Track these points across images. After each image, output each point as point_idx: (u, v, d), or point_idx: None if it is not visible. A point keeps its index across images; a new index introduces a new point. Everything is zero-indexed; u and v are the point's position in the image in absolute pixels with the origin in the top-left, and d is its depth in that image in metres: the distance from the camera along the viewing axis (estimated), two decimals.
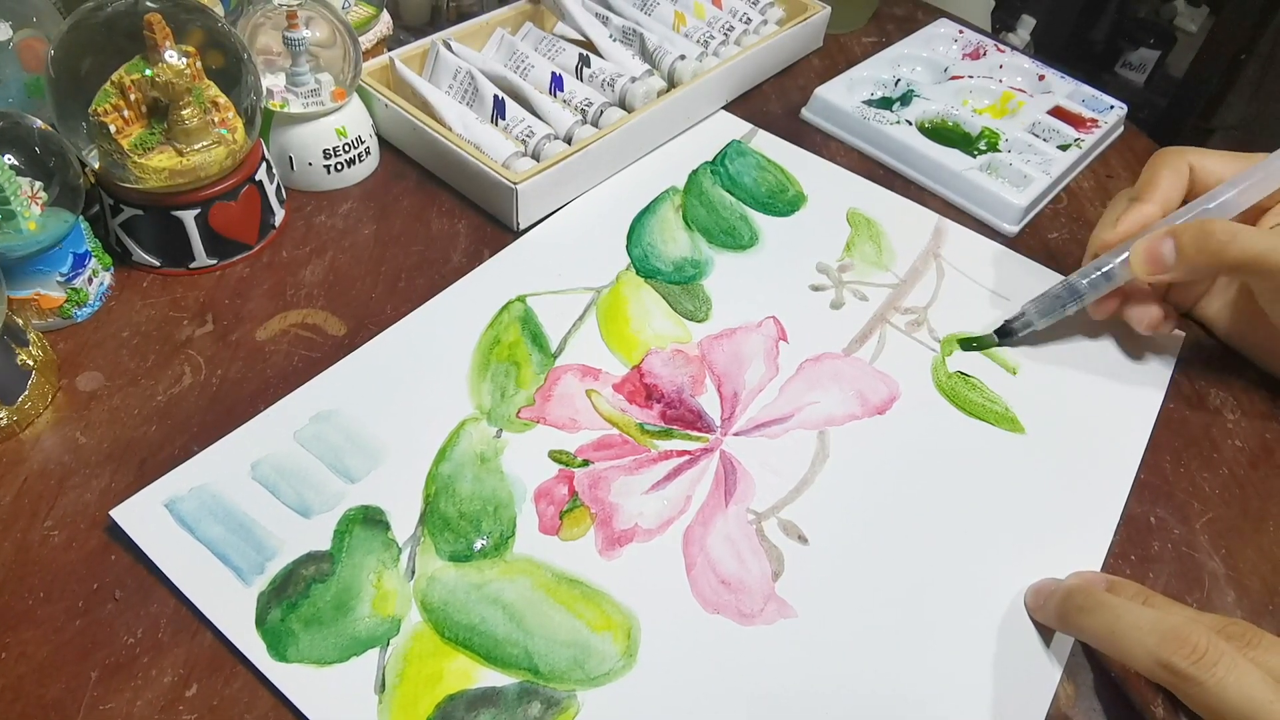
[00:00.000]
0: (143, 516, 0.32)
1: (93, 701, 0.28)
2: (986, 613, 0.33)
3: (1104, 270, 0.40)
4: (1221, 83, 1.29)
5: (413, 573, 0.32)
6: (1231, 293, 0.43)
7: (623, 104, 0.51)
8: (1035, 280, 0.47)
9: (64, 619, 0.30)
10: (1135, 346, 0.44)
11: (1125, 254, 0.39)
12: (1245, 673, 0.26)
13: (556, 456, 0.36)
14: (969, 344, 0.42)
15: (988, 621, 0.33)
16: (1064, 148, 0.53)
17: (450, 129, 0.47)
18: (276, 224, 0.44)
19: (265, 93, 0.44)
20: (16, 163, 0.35)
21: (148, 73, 0.37)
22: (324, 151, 0.46)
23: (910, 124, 0.53)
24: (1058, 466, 0.38)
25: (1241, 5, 1.22)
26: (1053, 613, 0.31)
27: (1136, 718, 0.31)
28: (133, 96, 0.37)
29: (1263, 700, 0.25)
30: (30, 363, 0.35)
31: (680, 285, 0.44)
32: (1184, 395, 0.42)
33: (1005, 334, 0.42)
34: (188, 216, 0.40)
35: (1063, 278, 0.42)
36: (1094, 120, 0.56)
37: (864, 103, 0.55)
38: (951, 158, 0.51)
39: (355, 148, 0.47)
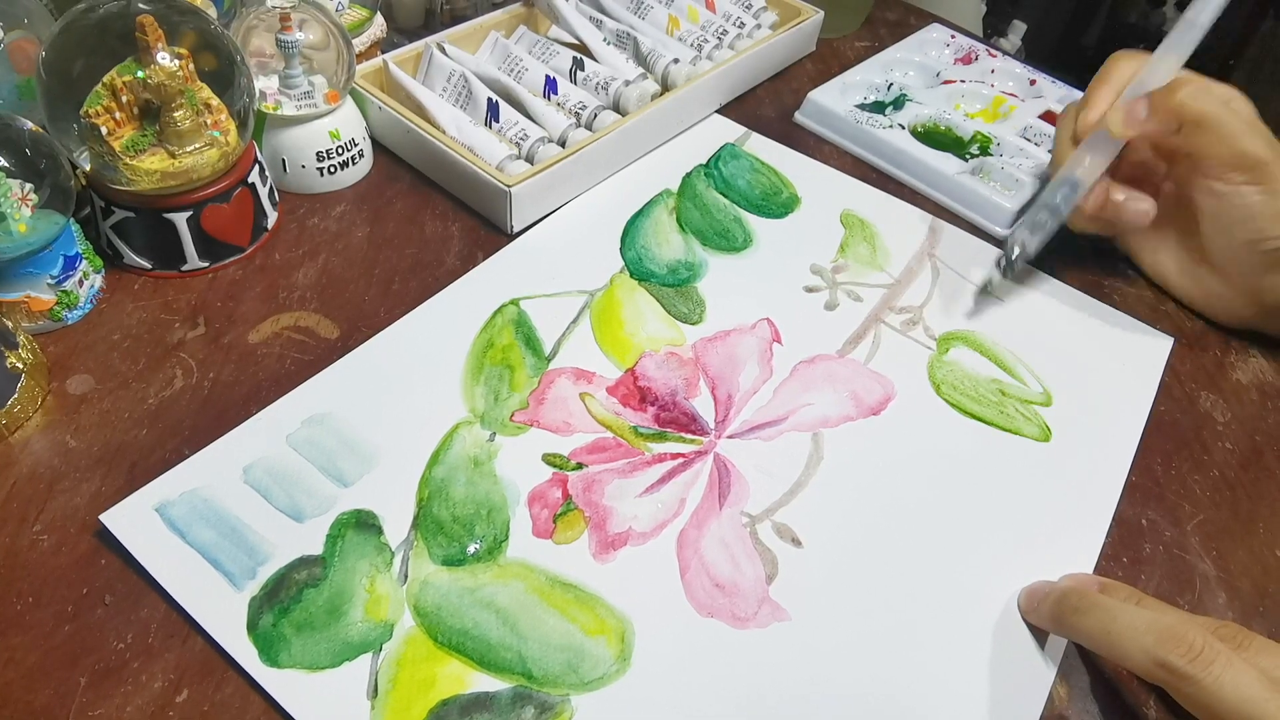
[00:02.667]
0: (133, 521, 0.32)
1: (82, 707, 0.28)
2: (980, 614, 0.33)
3: (1070, 180, 0.42)
4: None
5: (405, 577, 0.32)
6: (1173, 241, 0.45)
7: (616, 107, 0.51)
8: (1031, 280, 0.47)
9: (53, 624, 0.30)
10: (1127, 349, 0.44)
11: (1084, 161, 0.42)
12: (1241, 671, 0.26)
13: (550, 460, 0.36)
14: (982, 293, 0.44)
15: (981, 623, 0.33)
16: None
17: (444, 132, 0.47)
18: (269, 226, 0.44)
19: (258, 95, 0.44)
20: (7, 164, 0.35)
21: (140, 74, 0.37)
22: (317, 154, 0.46)
23: (903, 128, 0.54)
24: (1050, 468, 0.38)
25: (1229, 12, 1.23)
26: (1047, 615, 0.32)
27: (1130, 718, 0.31)
28: (124, 98, 0.37)
29: (1258, 698, 0.25)
30: (20, 366, 0.35)
31: (674, 288, 0.44)
32: (1174, 398, 0.42)
33: (1008, 268, 0.43)
34: (180, 219, 0.40)
35: (1041, 199, 0.44)
36: None
37: (857, 107, 0.56)
38: (943, 161, 0.51)
39: (348, 150, 0.47)
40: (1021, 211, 0.50)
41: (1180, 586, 0.35)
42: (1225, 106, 0.40)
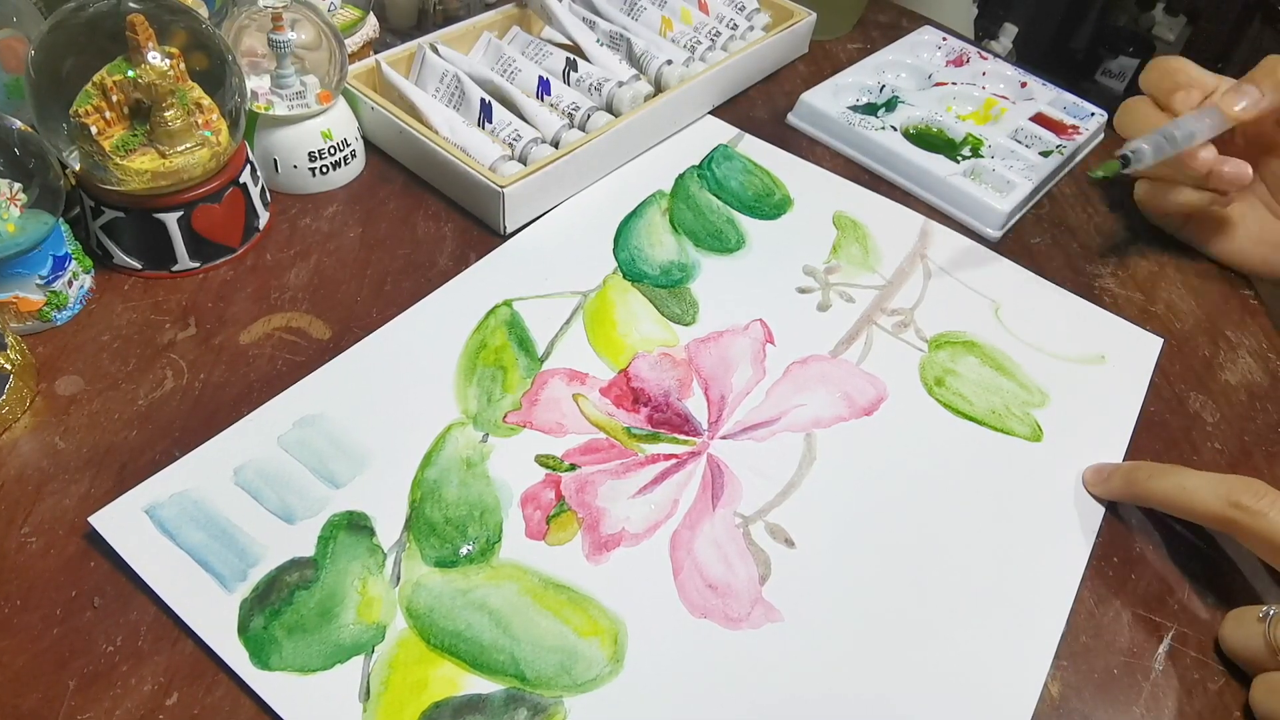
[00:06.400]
0: (123, 523, 0.32)
1: (70, 711, 0.28)
2: (971, 614, 0.33)
3: (1208, 117, 0.44)
4: None
5: (398, 579, 0.32)
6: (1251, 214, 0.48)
7: (610, 108, 0.51)
8: (1024, 282, 0.47)
9: (41, 627, 0.29)
10: (1117, 349, 0.44)
11: (1206, 118, 0.44)
12: None
13: (543, 461, 0.36)
14: (1097, 177, 0.46)
15: (974, 623, 0.33)
16: (1046, 154, 0.54)
17: (437, 132, 0.47)
18: (261, 227, 0.44)
19: (250, 95, 0.43)
20: None
21: (130, 74, 0.36)
22: (309, 154, 0.46)
23: (895, 130, 0.54)
24: (1042, 468, 0.38)
25: (1218, 15, 1.24)
26: (1118, 486, 0.36)
27: (1121, 717, 0.31)
28: (115, 98, 0.37)
29: None
30: (8, 366, 0.35)
31: (667, 289, 0.44)
32: (1164, 398, 0.42)
33: (1125, 163, 0.44)
34: (170, 219, 0.40)
35: (1173, 120, 0.45)
36: (1075, 127, 0.56)
37: (849, 108, 0.56)
38: (936, 163, 0.51)
39: (341, 150, 0.47)
40: (1015, 212, 0.50)
41: (1171, 586, 0.35)
42: None
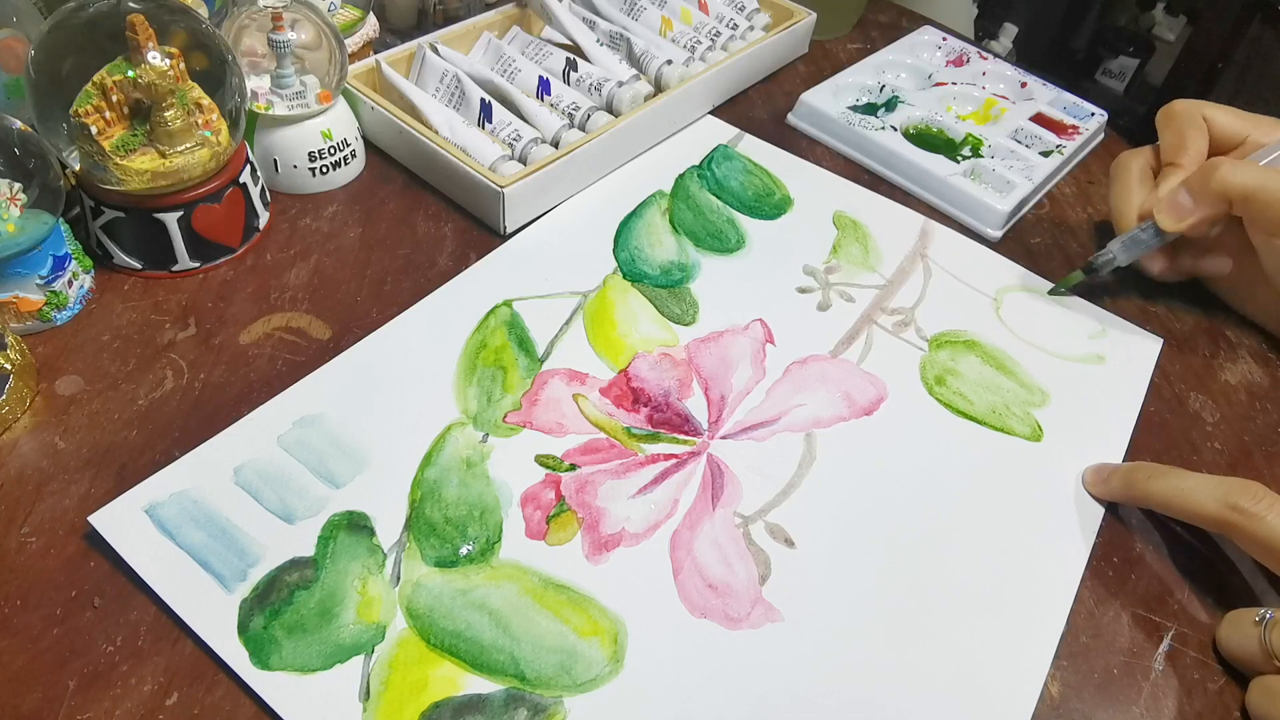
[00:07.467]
0: (122, 523, 0.32)
1: (70, 711, 0.28)
2: (971, 614, 0.33)
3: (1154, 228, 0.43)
4: (1199, 91, 1.31)
5: (398, 579, 0.32)
6: (1229, 249, 0.44)
7: (610, 108, 0.51)
8: (1025, 282, 0.47)
9: (41, 627, 0.29)
10: (1117, 349, 0.44)
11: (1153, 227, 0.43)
12: None
13: (543, 461, 0.36)
14: (1058, 290, 0.46)
15: (973, 623, 0.33)
16: (1046, 154, 0.54)
17: (437, 132, 0.47)
18: (261, 227, 0.44)
19: (250, 95, 0.43)
20: None
21: (130, 74, 0.36)
22: (309, 154, 0.46)
23: (895, 130, 0.54)
24: (1042, 467, 0.38)
25: (1218, 15, 1.24)
26: (1118, 487, 0.36)
27: (1120, 716, 0.31)
28: (115, 98, 0.37)
29: None
30: (8, 366, 0.35)
31: (667, 289, 0.44)
32: (1164, 399, 0.42)
33: (1090, 270, 0.45)
34: (170, 219, 0.40)
35: (1148, 222, 0.43)
36: (1075, 127, 0.56)
37: (849, 108, 0.56)
38: (935, 163, 0.51)
39: (341, 150, 0.47)
40: (1015, 212, 0.50)
41: (1171, 586, 0.35)
42: (1264, 174, 0.38)
